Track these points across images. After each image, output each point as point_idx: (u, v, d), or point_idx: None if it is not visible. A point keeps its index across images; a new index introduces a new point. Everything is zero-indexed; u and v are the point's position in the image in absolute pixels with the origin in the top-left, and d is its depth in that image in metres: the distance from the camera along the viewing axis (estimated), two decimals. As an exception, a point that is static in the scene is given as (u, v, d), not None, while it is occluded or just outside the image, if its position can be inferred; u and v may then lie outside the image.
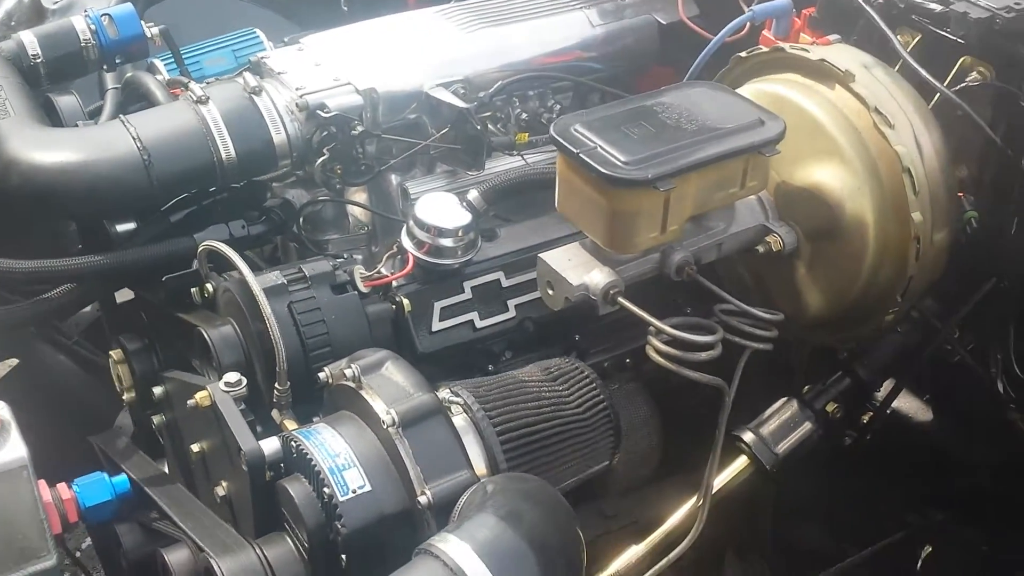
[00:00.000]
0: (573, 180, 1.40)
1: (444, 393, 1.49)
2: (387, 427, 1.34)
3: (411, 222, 1.69)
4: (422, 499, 1.31)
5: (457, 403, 1.47)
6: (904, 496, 1.98)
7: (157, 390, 1.78)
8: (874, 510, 2.00)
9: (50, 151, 1.64)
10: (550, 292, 1.45)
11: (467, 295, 1.74)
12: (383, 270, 1.67)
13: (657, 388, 1.90)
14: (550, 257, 1.45)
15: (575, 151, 1.35)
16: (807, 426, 1.75)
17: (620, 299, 1.39)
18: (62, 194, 1.64)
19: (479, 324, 1.74)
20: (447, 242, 1.69)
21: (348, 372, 1.42)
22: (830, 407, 1.77)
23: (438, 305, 1.71)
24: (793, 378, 1.93)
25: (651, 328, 1.37)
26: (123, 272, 1.70)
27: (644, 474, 1.93)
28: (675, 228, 1.40)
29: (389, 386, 1.40)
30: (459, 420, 1.45)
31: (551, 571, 1.17)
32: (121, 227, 1.71)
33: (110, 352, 1.85)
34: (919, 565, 1.55)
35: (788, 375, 1.97)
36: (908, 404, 1.95)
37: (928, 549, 1.56)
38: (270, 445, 1.42)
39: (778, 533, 2.05)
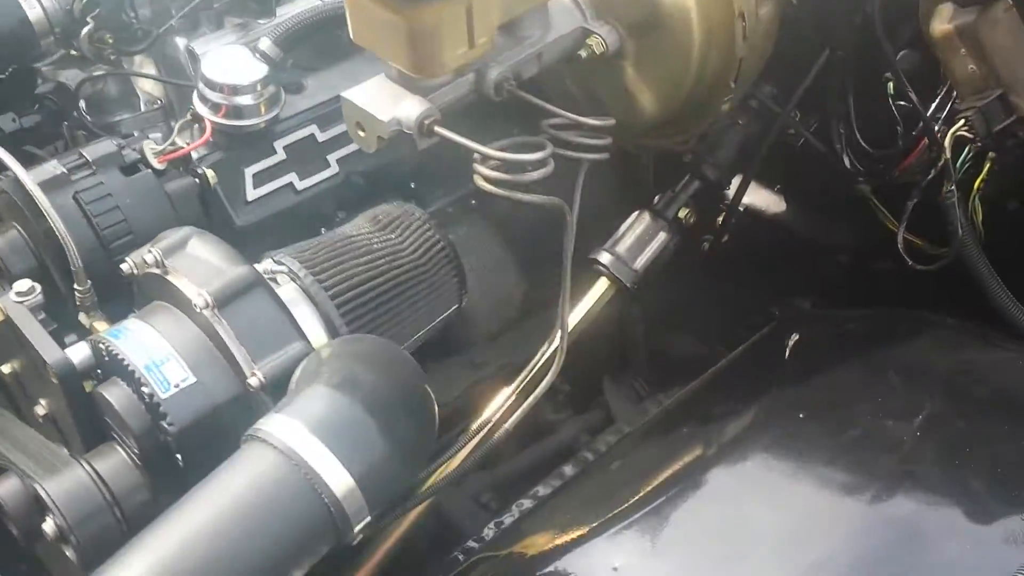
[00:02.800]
0: (362, 2, 1.25)
1: (266, 264, 1.36)
2: (201, 310, 1.21)
3: (201, 84, 1.52)
4: (252, 381, 1.19)
5: (282, 272, 1.34)
6: (769, 290, 1.95)
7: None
8: (741, 309, 1.97)
9: None
10: (361, 134, 1.30)
11: (280, 156, 1.59)
12: (178, 141, 1.50)
13: (512, 226, 1.81)
14: (354, 95, 1.30)
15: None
16: (662, 236, 1.68)
17: (437, 128, 1.26)
18: None
19: (300, 185, 1.60)
20: (245, 100, 1.53)
21: (148, 258, 1.27)
22: (682, 213, 1.70)
23: (249, 172, 1.56)
24: (644, 191, 1.86)
25: (475, 155, 1.25)
26: None
27: (510, 316, 1.84)
28: (485, 40, 1.27)
29: (198, 265, 1.26)
30: (287, 290, 1.33)
31: (394, 433, 1.07)
32: None
33: None
34: (787, 354, 1.51)
35: (640, 189, 1.90)
36: (761, 198, 1.90)
37: (795, 337, 1.51)
38: (79, 352, 1.27)
39: (651, 349, 2.01)
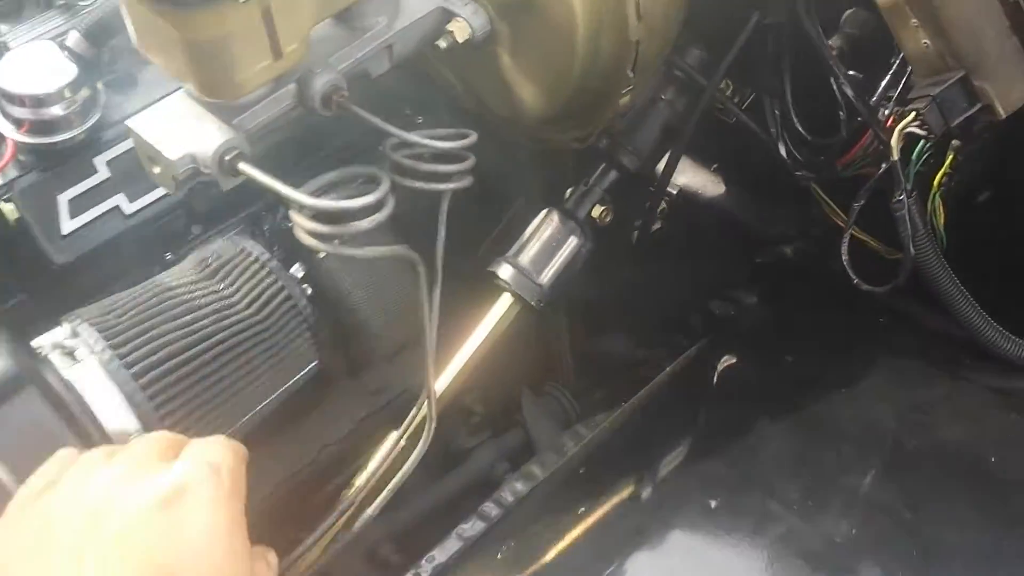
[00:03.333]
0: (135, 6, 0.96)
1: (62, 331, 1.10)
2: (-52, 419, 0.95)
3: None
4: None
5: (81, 345, 1.08)
6: (711, 283, 1.69)
7: None
8: (681, 304, 1.72)
9: None
10: (156, 171, 1.03)
11: (103, 174, 1.30)
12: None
13: (413, 228, 1.54)
14: (143, 123, 1.02)
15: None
16: (572, 242, 1.43)
17: (243, 166, 0.98)
18: None
19: (129, 208, 1.31)
20: (54, 111, 1.25)
21: None
22: (597, 212, 1.44)
23: (63, 198, 1.28)
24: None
25: (291, 201, 0.98)
26: None
27: (410, 333, 1.59)
28: (296, 47, 0.99)
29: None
30: (87, 367, 1.07)
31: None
32: None
33: None
34: (715, 378, 1.28)
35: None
36: (695, 178, 1.63)
37: (726, 360, 1.27)
38: None
39: (580, 352, 1.77)
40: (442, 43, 1.14)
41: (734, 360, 1.31)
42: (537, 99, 1.21)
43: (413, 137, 1.02)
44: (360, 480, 1.34)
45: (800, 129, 1.28)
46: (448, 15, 1.14)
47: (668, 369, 1.45)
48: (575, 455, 1.47)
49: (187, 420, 1.10)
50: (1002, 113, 1.08)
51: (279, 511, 1.42)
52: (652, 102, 1.43)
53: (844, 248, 1.24)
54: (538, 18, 1.13)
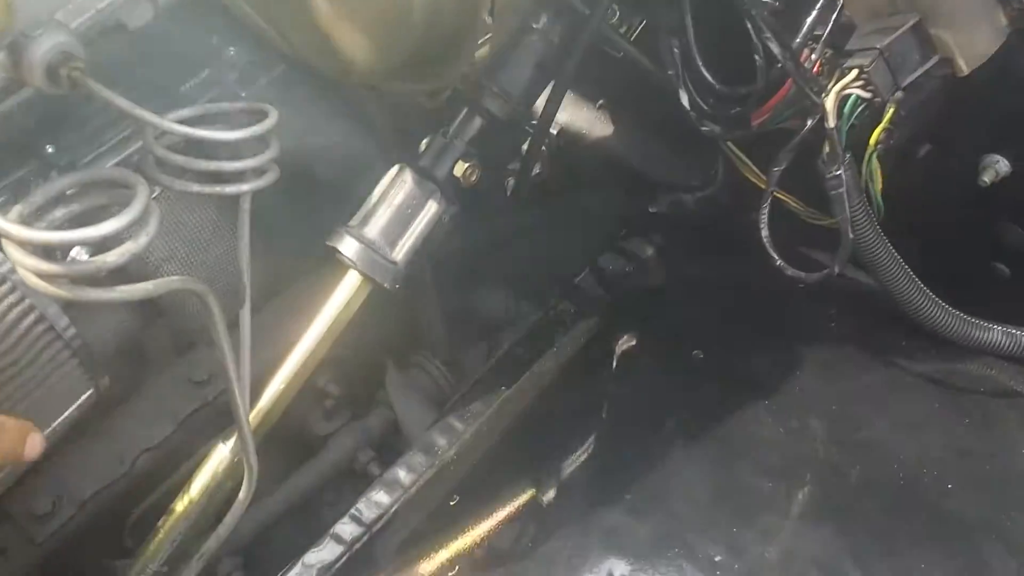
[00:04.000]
0: None
1: None
2: None
3: None
4: None
5: None
6: (595, 234, 1.45)
7: None
8: (560, 258, 1.47)
9: None
10: None
11: None
12: None
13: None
14: None
15: None
16: (431, 208, 1.15)
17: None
18: None
19: None
20: None
21: None
22: (460, 169, 1.16)
23: None
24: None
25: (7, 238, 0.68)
26: None
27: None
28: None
29: None
30: None
31: None
32: None
33: None
34: (615, 362, 1.06)
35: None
36: (576, 115, 1.36)
37: (627, 342, 1.05)
38: None
39: (451, 312, 1.52)
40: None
41: (634, 343, 1.08)
42: (366, 52, 0.92)
43: (181, 128, 0.72)
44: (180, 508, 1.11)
45: (706, 75, 1.01)
46: (234, -60, 0.84)
47: (555, 349, 1.21)
48: (449, 458, 1.24)
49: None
50: (965, 68, 0.83)
51: (88, 536, 1.17)
52: (521, 32, 1.13)
53: (764, 219, 1.00)
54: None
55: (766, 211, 1.01)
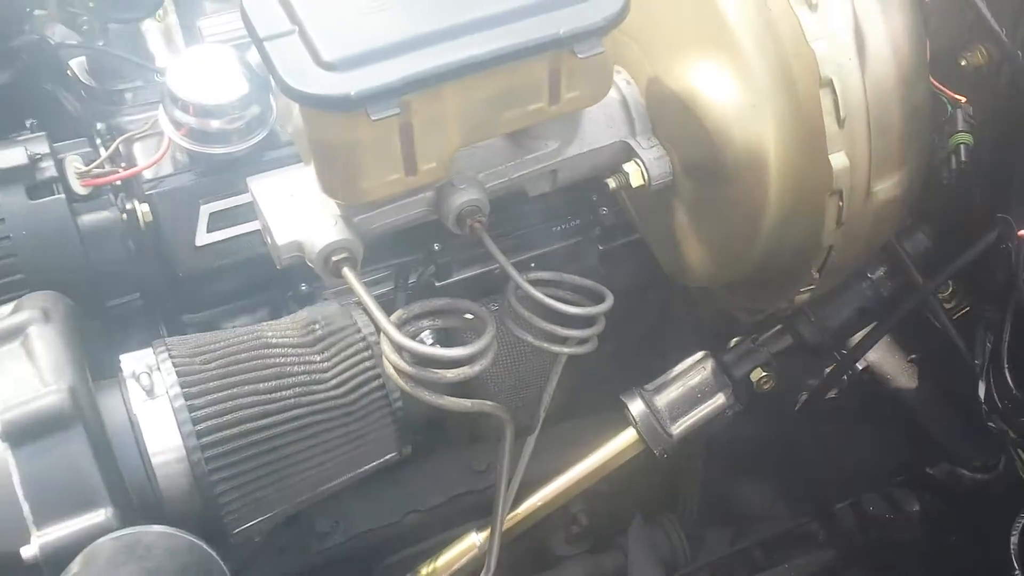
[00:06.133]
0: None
1: (148, 358, 1.06)
2: (-9, 440, 0.93)
3: (165, 92, 1.21)
4: (25, 551, 0.90)
5: (159, 382, 1.04)
6: (865, 470, 1.49)
7: None
8: (827, 480, 1.52)
9: None
10: (268, 240, 0.96)
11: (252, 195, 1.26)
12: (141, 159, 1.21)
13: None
14: (263, 189, 0.96)
15: (259, 33, 0.83)
16: (719, 400, 1.27)
17: (346, 272, 0.90)
18: None
19: (272, 236, 1.27)
20: (216, 123, 1.21)
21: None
22: (757, 375, 1.27)
23: (206, 209, 1.24)
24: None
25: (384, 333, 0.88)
26: None
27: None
28: (434, 167, 0.88)
29: (14, 370, 0.97)
30: (156, 406, 1.03)
31: None
32: None
33: None
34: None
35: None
36: (887, 361, 1.43)
37: None
38: None
39: (711, 492, 1.61)
40: (612, 182, 1.01)
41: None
42: (705, 266, 1.07)
43: (535, 293, 0.90)
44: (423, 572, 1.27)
45: (1008, 378, 1.07)
46: (629, 154, 1.01)
47: (787, 566, 1.28)
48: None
49: (239, 489, 1.05)
50: None
51: (347, 564, 1.37)
52: (856, 277, 1.24)
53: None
54: (727, 188, 0.98)
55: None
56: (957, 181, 1.04)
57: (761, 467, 1.61)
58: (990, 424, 1.11)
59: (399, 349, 0.87)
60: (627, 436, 1.29)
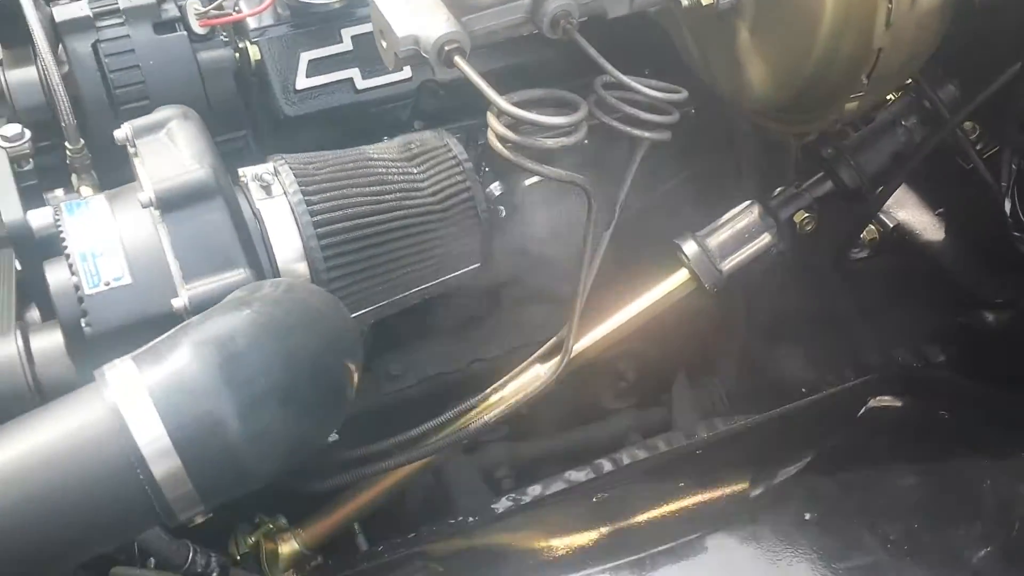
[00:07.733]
0: None
1: (263, 168, 1.20)
2: (144, 208, 1.06)
3: (270, -57, 1.34)
4: (176, 302, 1.04)
5: (277, 184, 1.18)
6: (901, 329, 1.62)
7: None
8: (862, 342, 1.65)
9: None
10: (383, 45, 1.10)
11: (346, 46, 1.40)
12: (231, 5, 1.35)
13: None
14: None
15: None
16: (765, 239, 1.39)
17: (457, 60, 1.03)
18: None
19: (361, 84, 1.41)
20: (313, -25, 1.35)
21: (119, 134, 1.13)
22: (799, 217, 1.40)
23: (305, 56, 1.38)
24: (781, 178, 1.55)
25: (491, 106, 1.02)
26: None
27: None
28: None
29: (165, 154, 1.11)
30: (275, 205, 1.16)
31: (271, 409, 0.88)
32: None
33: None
34: (860, 412, 1.23)
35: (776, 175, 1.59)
36: (917, 217, 1.56)
37: (880, 400, 1.23)
38: (40, 217, 1.16)
39: (747, 359, 1.74)
40: (685, 1, 1.14)
41: (887, 401, 1.25)
42: (765, 84, 1.20)
43: (623, 77, 1.04)
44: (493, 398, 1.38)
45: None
46: (701, -26, 1.15)
47: (818, 396, 1.40)
48: (701, 441, 1.46)
49: (349, 278, 1.18)
50: None
51: (416, 405, 1.50)
52: (891, 124, 1.38)
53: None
54: (785, 2, 1.11)
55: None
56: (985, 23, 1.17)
57: (800, 337, 1.73)
58: (1016, 235, 1.24)
59: (508, 122, 1.00)
60: (679, 276, 1.41)
